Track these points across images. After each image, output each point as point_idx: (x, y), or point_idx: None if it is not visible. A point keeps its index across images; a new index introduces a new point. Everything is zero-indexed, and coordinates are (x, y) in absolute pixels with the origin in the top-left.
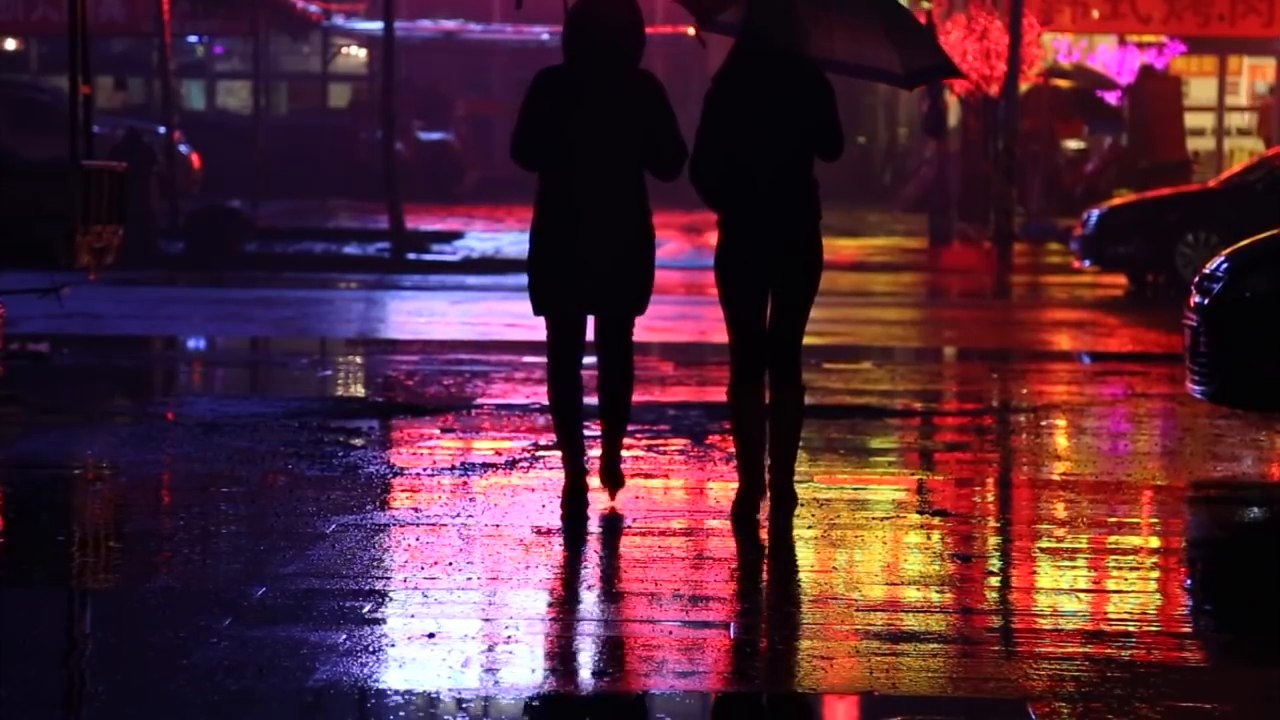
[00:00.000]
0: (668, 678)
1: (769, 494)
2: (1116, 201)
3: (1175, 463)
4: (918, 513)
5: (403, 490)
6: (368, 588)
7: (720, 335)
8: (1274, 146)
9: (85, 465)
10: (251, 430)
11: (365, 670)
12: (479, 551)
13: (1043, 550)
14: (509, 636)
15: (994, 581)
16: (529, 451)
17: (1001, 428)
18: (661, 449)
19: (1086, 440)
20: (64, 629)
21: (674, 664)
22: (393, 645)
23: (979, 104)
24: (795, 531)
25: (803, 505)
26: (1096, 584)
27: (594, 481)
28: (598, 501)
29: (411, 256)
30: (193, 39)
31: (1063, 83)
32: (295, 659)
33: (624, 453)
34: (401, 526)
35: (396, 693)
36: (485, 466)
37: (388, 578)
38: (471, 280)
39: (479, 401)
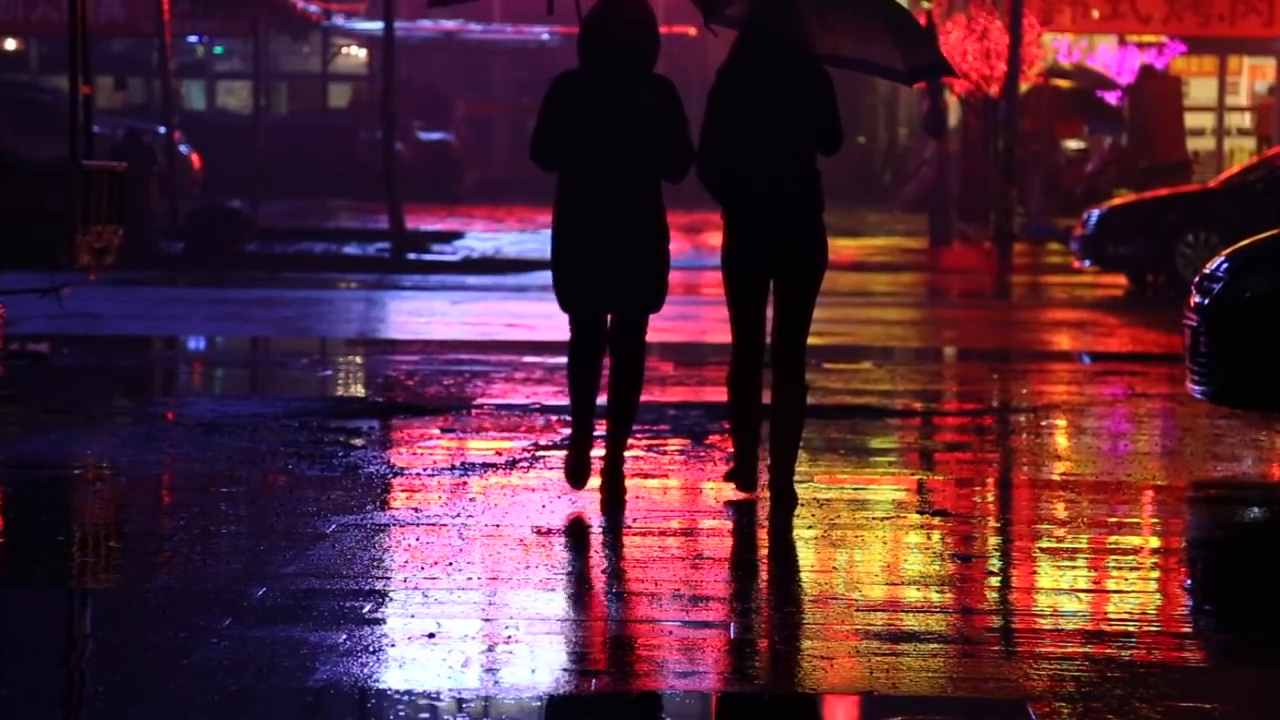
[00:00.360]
0: (668, 678)
1: (769, 494)
2: (1116, 201)
3: (1175, 463)
4: (918, 513)
5: (403, 490)
6: (368, 588)
7: (720, 335)
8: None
9: (85, 465)
10: (251, 430)
11: (365, 670)
12: (479, 551)
13: (1043, 550)
14: (509, 636)
15: (994, 581)
16: (529, 451)
17: (1001, 428)
18: (661, 449)
19: (1087, 440)
20: (64, 629)
21: (674, 664)
22: (393, 645)
23: (979, 104)
24: (795, 531)
25: (803, 505)
26: (1096, 584)
27: (592, 483)
28: (594, 501)
29: (411, 256)
30: (193, 39)
31: (1063, 83)
32: (295, 659)
33: (625, 453)
34: (401, 526)
35: (396, 693)
36: (485, 466)
37: (388, 578)
38: (471, 280)
39: (479, 401)
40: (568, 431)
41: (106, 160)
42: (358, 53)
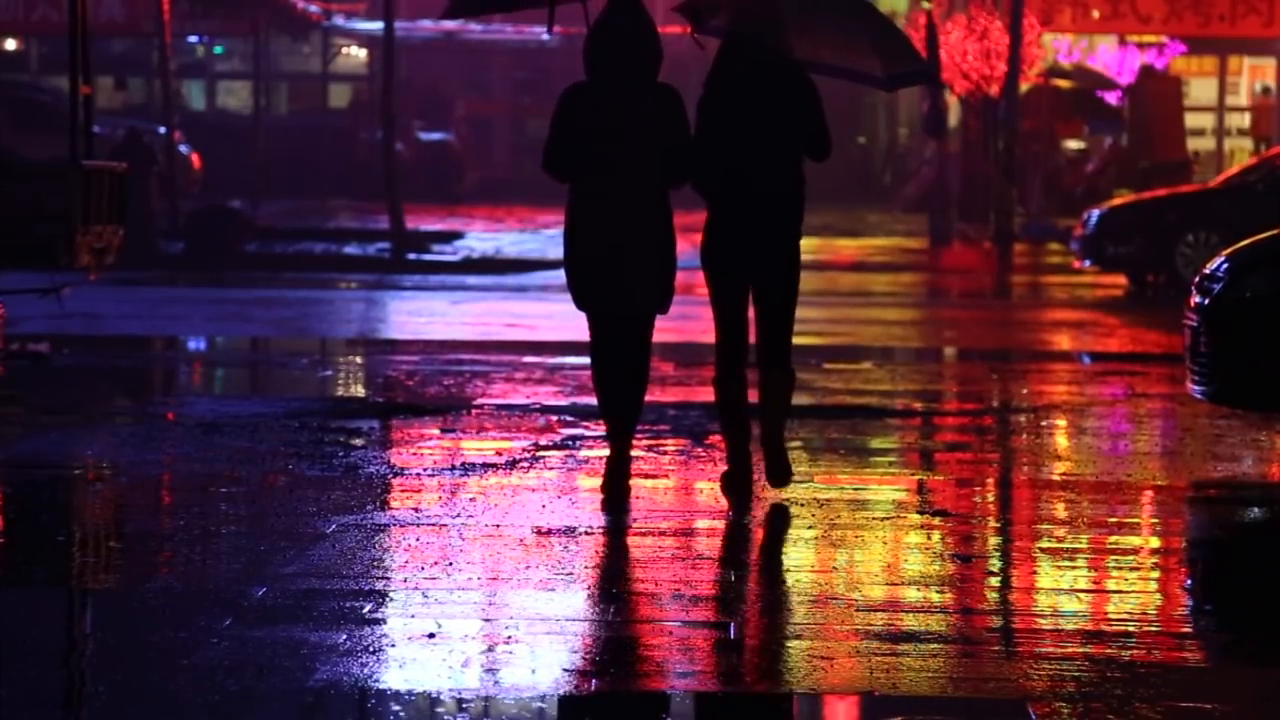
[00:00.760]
0: (668, 678)
1: (764, 465)
2: (1116, 201)
3: (1175, 463)
4: (918, 513)
5: (403, 490)
6: (368, 588)
7: None
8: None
9: (85, 465)
10: (251, 430)
11: (365, 670)
12: (479, 551)
13: (1043, 550)
14: (509, 636)
15: (994, 581)
16: (529, 451)
17: (1002, 428)
18: (661, 449)
19: (1087, 440)
20: (64, 629)
21: (674, 664)
22: (393, 645)
23: (979, 104)
24: (795, 531)
25: (803, 505)
26: (1096, 584)
27: (593, 482)
28: (594, 501)
29: (411, 256)
30: (193, 39)
31: (1063, 83)
32: (295, 659)
33: (629, 451)
34: (401, 526)
35: (396, 693)
36: (485, 466)
37: (388, 578)
38: (471, 280)
39: (479, 401)
40: (568, 432)
41: (106, 160)
42: (358, 53)
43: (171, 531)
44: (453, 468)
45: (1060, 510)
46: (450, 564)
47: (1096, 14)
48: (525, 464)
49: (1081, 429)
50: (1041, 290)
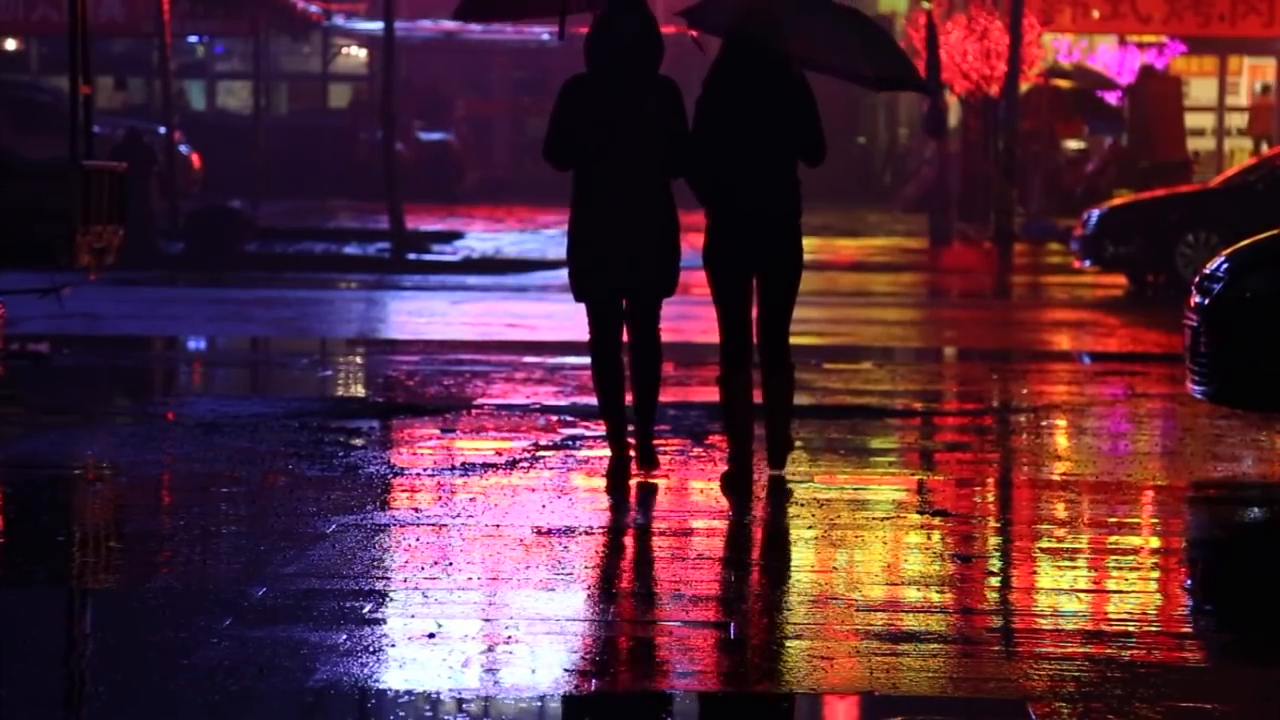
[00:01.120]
0: (668, 678)
1: (766, 443)
2: (1116, 201)
3: (1175, 463)
4: (918, 513)
5: (403, 490)
6: (368, 588)
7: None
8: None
9: (85, 465)
10: (251, 430)
11: (365, 670)
12: (479, 551)
13: (1043, 550)
14: (509, 636)
15: (994, 581)
16: (529, 451)
17: (1002, 428)
18: (661, 449)
19: (1087, 440)
20: (64, 629)
21: (674, 664)
22: (393, 645)
23: (979, 104)
24: (795, 531)
25: (803, 505)
26: (1096, 584)
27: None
28: (594, 501)
29: (412, 256)
30: (193, 39)
31: (1063, 83)
32: (295, 659)
33: (629, 452)
34: (401, 526)
35: (396, 693)
36: (485, 466)
37: (388, 578)
38: (472, 280)
39: (479, 401)
40: (568, 432)
41: (106, 160)
42: (358, 53)
43: (171, 531)
44: (453, 468)
45: (1060, 510)
46: (450, 564)
47: (1096, 14)
48: (525, 464)
49: (1081, 429)
50: (1041, 290)
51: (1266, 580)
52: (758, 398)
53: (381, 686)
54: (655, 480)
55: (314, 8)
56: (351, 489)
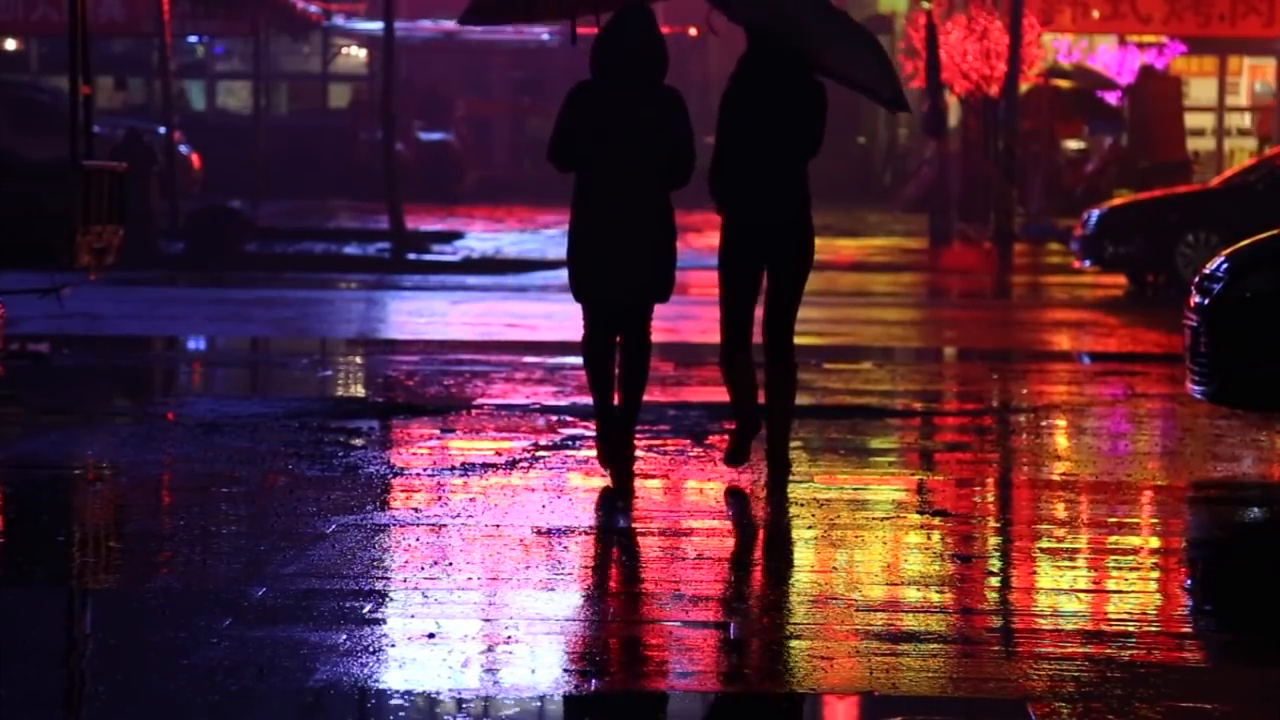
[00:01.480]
0: (668, 678)
1: (766, 463)
2: (1116, 201)
3: (1175, 463)
4: (918, 513)
5: (403, 490)
6: (368, 588)
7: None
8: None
9: (85, 465)
10: (251, 430)
11: (365, 670)
12: (479, 551)
13: (1043, 550)
14: (509, 636)
15: (994, 581)
16: (529, 451)
17: (1001, 428)
18: (661, 449)
19: (1086, 440)
20: (64, 629)
21: (674, 664)
22: (393, 645)
23: (979, 104)
24: (795, 531)
25: (803, 505)
26: (1096, 584)
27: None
28: (594, 501)
29: (411, 257)
30: (193, 39)
31: (1063, 83)
32: (295, 659)
33: (634, 439)
34: (401, 526)
35: (396, 693)
36: (485, 466)
37: (388, 578)
38: (471, 280)
39: (479, 401)
40: (568, 432)
41: (106, 160)
42: (358, 53)
43: (171, 531)
44: (452, 468)
45: (1060, 510)
46: (450, 564)
47: (1096, 14)
48: (525, 464)
49: (1081, 429)
50: (1041, 290)
51: (1266, 580)
52: (760, 398)
53: (381, 686)
54: (652, 480)
55: (314, 8)
56: (351, 489)
